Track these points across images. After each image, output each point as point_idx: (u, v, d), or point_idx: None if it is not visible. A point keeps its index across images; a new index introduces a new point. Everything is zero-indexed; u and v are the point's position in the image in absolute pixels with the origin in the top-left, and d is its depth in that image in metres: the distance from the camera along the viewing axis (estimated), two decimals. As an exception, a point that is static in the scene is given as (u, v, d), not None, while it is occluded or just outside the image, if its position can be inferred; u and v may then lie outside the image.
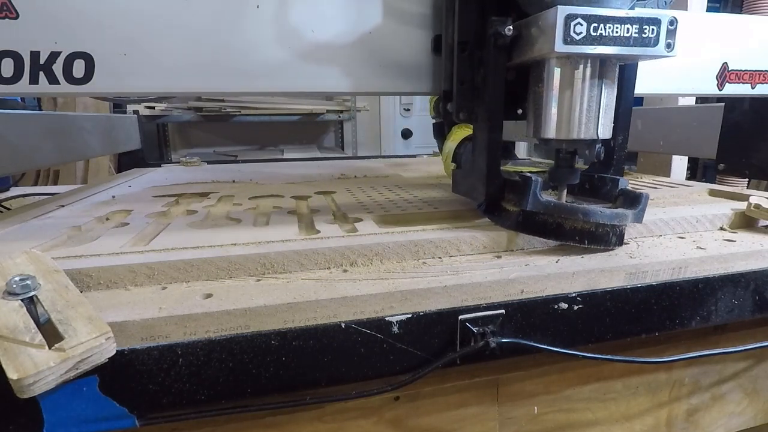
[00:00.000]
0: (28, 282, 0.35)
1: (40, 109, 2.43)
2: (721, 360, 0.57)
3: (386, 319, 0.39)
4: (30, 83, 0.45)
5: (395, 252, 0.47)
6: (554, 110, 0.46)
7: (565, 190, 0.53)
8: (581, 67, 0.45)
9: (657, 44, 0.42)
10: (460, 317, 0.41)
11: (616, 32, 0.41)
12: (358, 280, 0.42)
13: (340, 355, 0.38)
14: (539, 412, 0.51)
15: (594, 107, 0.46)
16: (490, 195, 0.52)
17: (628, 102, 0.53)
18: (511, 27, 0.46)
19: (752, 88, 0.68)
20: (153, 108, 2.83)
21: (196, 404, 0.36)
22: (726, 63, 0.65)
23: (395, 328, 0.39)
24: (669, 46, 0.43)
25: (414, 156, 1.62)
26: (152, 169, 1.28)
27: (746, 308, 0.50)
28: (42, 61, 0.45)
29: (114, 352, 0.32)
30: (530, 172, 0.53)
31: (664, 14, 0.42)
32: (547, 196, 0.48)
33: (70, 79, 0.46)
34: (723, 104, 0.94)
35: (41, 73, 0.45)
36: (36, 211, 0.67)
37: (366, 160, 1.56)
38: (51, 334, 0.31)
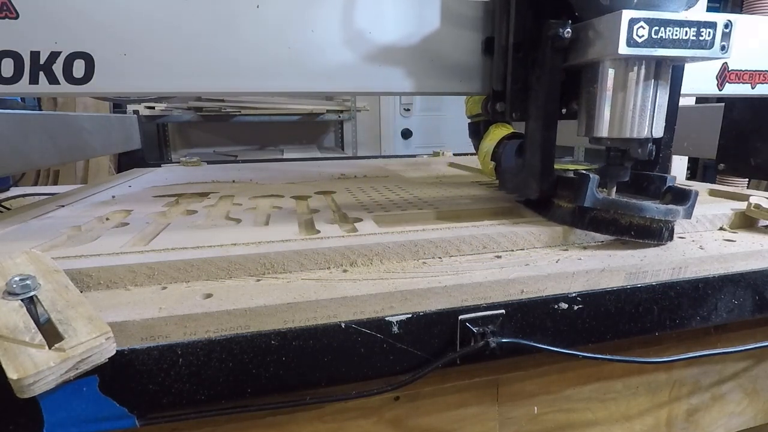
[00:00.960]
0: (28, 282, 0.35)
1: (40, 109, 2.43)
2: (721, 360, 0.57)
3: (386, 319, 0.39)
4: (30, 83, 0.45)
5: (395, 252, 0.47)
6: (608, 110, 0.48)
7: (615, 188, 0.54)
8: (637, 68, 0.47)
9: (712, 46, 0.44)
10: (460, 317, 0.41)
11: (675, 35, 0.43)
12: (358, 280, 0.42)
13: (340, 355, 0.38)
14: (539, 412, 0.51)
15: (648, 107, 0.48)
16: (544, 191, 0.54)
17: (674, 101, 0.55)
18: (569, 30, 0.48)
19: (752, 88, 0.68)
20: (153, 108, 2.83)
21: (196, 404, 0.36)
22: (726, 63, 0.65)
23: (395, 328, 0.39)
24: (723, 48, 0.44)
25: (414, 156, 1.62)
26: (152, 169, 1.28)
27: (746, 308, 0.50)
28: (42, 61, 0.45)
29: (114, 352, 0.32)
30: (575, 169, 0.55)
31: (720, 17, 0.44)
32: (598, 193, 0.50)
33: (70, 79, 0.46)
34: (723, 104, 0.94)
35: (41, 73, 0.45)
36: (36, 211, 0.67)
37: (366, 160, 1.56)
38: (51, 334, 0.31)
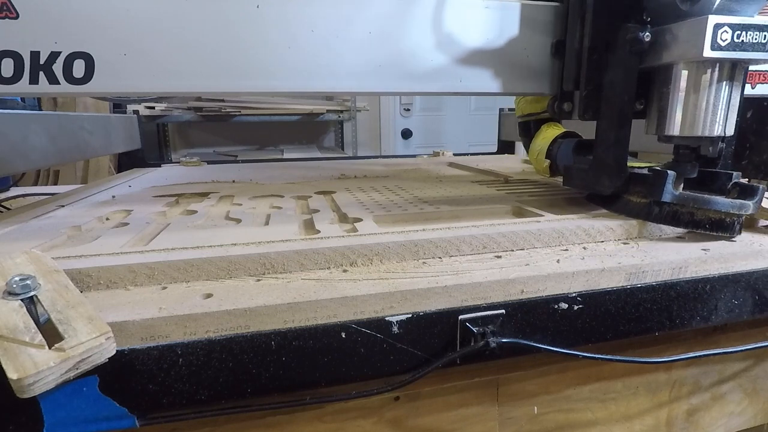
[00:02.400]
0: (28, 282, 0.35)
1: (40, 109, 2.43)
2: (721, 360, 0.57)
3: (386, 319, 0.39)
4: (30, 83, 0.45)
5: (395, 252, 0.47)
6: (681, 109, 0.51)
7: (682, 184, 0.56)
8: (713, 70, 0.49)
9: None
10: (460, 317, 0.41)
11: (755, 39, 0.46)
12: (358, 280, 0.42)
13: (340, 355, 0.38)
14: (539, 412, 0.51)
15: (722, 107, 0.50)
16: (618, 187, 0.57)
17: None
18: (649, 34, 0.50)
19: (752, 88, 0.68)
20: (153, 108, 2.83)
21: (196, 404, 0.36)
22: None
23: (395, 328, 0.39)
24: None
25: (414, 156, 1.62)
26: (152, 169, 1.28)
27: (746, 308, 0.50)
28: (42, 61, 0.45)
29: (114, 352, 0.32)
30: (645, 166, 0.59)
31: None
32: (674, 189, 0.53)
33: (70, 79, 0.46)
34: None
35: (41, 73, 0.45)
36: (36, 211, 0.67)
37: (366, 160, 1.56)
38: (51, 334, 0.31)
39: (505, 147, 1.68)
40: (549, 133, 0.77)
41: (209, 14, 0.48)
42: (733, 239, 0.53)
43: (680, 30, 0.48)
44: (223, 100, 2.88)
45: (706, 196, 0.52)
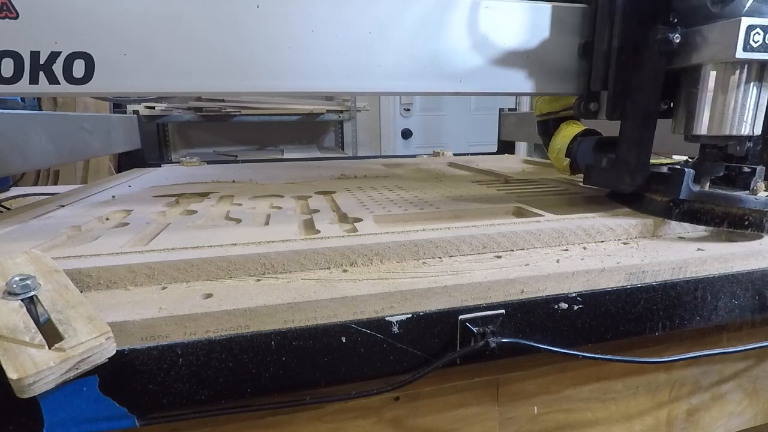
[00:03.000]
0: (28, 282, 0.35)
1: (40, 109, 2.43)
2: (721, 360, 0.57)
3: (386, 319, 0.39)
4: (30, 83, 0.45)
5: (395, 252, 0.47)
6: (709, 109, 0.52)
7: (708, 182, 0.56)
8: (742, 71, 0.50)
9: None
10: (460, 317, 0.41)
11: None
12: (358, 280, 0.42)
13: (340, 355, 0.38)
14: (539, 412, 0.51)
15: (751, 107, 0.51)
16: (639, 185, 0.58)
17: None
18: (679, 35, 0.51)
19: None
20: (153, 108, 2.83)
21: (196, 404, 0.36)
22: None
23: (395, 328, 0.39)
24: None
25: (414, 156, 1.62)
26: (152, 169, 1.28)
27: (746, 308, 0.50)
28: (42, 61, 0.45)
29: (114, 352, 0.32)
30: (668, 164, 0.60)
31: None
32: (693, 186, 0.54)
33: (70, 79, 0.46)
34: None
35: (41, 73, 0.45)
36: (36, 211, 0.67)
37: (366, 160, 1.56)
38: (51, 334, 0.31)
39: (505, 147, 1.68)
40: (568, 131, 0.78)
41: (209, 14, 0.48)
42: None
43: (711, 32, 0.49)
44: (223, 100, 2.88)
45: (726, 192, 0.52)
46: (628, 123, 0.58)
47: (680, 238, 0.54)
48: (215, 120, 3.06)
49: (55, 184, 2.49)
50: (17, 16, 0.44)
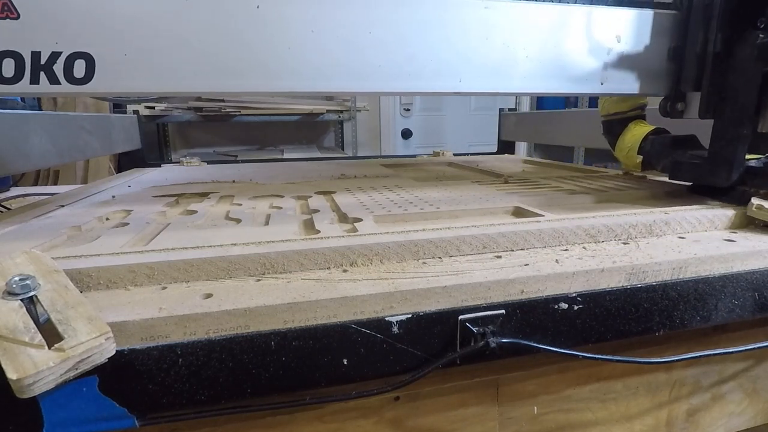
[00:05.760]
0: (28, 282, 0.35)
1: (40, 109, 2.43)
2: (721, 360, 0.57)
3: (386, 319, 0.39)
4: (31, 83, 0.45)
5: (395, 252, 0.47)
6: None
7: None
8: None
9: None
10: (460, 317, 0.41)
11: None
12: (358, 280, 0.42)
13: (340, 355, 0.38)
14: (539, 412, 0.51)
15: None
16: (735, 180, 0.61)
17: None
18: None
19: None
20: (153, 108, 2.83)
21: (196, 404, 0.36)
22: None
23: (395, 328, 0.39)
24: None
25: (414, 156, 1.62)
26: (152, 169, 1.28)
27: (746, 308, 0.50)
28: (43, 61, 0.45)
29: (114, 352, 0.32)
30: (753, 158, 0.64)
31: None
32: None
33: (71, 79, 0.46)
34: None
35: (42, 73, 0.45)
36: (36, 211, 0.67)
37: (366, 160, 1.56)
38: (51, 334, 0.31)
39: (505, 147, 1.68)
40: (638, 130, 0.80)
41: (210, 15, 0.48)
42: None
43: None
44: (223, 100, 2.88)
45: None
46: (722, 121, 0.61)
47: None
48: (215, 120, 3.06)
49: (55, 184, 2.49)
50: (18, 17, 0.44)
